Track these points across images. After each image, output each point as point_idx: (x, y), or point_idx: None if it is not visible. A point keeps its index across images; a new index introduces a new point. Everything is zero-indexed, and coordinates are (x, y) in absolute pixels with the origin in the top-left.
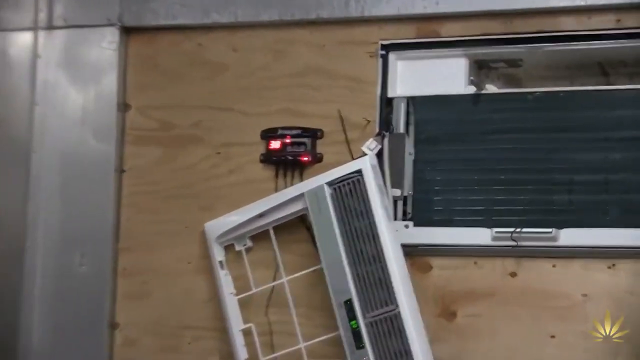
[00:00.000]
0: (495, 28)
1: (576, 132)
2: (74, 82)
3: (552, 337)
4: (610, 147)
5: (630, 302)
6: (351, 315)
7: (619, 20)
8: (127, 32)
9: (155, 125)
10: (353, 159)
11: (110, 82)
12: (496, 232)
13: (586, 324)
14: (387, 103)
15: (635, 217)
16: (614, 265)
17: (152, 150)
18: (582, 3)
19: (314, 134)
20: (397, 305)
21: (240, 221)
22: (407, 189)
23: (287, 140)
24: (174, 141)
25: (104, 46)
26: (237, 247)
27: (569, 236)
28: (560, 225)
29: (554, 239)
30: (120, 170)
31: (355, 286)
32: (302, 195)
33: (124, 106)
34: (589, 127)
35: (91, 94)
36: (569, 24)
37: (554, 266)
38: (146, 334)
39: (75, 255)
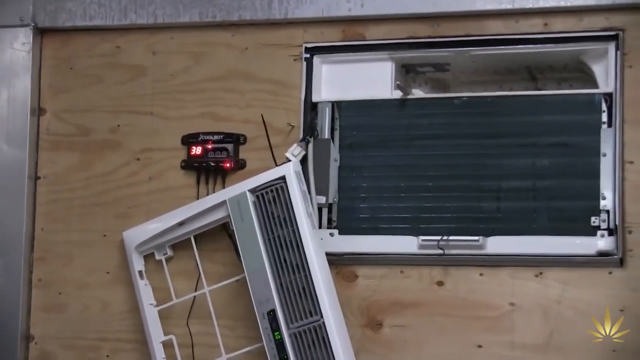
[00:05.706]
0: (421, 31)
1: (504, 138)
2: None
3: (480, 347)
4: (538, 153)
5: (558, 311)
6: (275, 326)
7: (546, 25)
8: (41, 32)
9: (72, 130)
10: (276, 165)
11: (23, 85)
12: (423, 240)
13: (513, 334)
14: (311, 108)
15: (562, 225)
16: (541, 273)
17: (68, 156)
18: (509, 6)
19: (237, 140)
20: (321, 316)
21: (161, 229)
22: (332, 196)
23: (209, 146)
24: (91, 146)
25: (17, 47)
26: (157, 256)
27: (497, 244)
28: (488, 233)
29: (482, 247)
30: (35, 177)
31: (279, 296)
32: (224, 202)
33: (38, 110)
34: (517, 133)
35: (3, 98)
36: (496, 28)
37: (481, 275)
38: (63, 347)
39: None
